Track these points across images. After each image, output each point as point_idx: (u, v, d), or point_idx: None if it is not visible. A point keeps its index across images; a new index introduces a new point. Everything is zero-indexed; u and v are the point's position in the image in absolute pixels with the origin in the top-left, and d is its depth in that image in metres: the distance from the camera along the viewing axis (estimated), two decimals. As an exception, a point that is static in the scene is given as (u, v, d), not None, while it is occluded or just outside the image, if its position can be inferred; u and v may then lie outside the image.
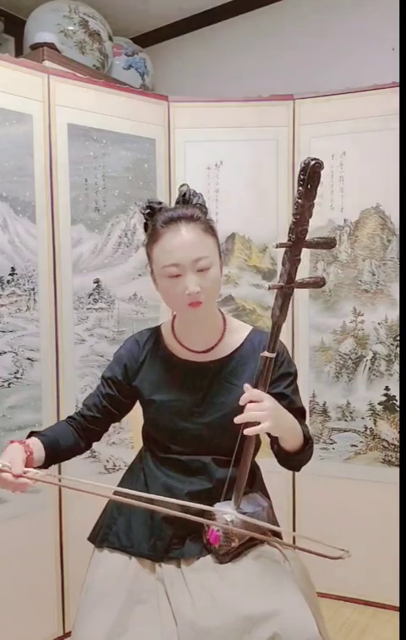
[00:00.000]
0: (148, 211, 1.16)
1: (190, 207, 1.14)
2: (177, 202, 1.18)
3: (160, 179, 2.00)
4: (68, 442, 1.19)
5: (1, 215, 1.63)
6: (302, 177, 0.93)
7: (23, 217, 1.68)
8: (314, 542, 1.00)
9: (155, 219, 1.14)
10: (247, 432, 0.99)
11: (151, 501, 1.02)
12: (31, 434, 1.15)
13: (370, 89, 1.92)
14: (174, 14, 2.68)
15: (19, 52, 2.47)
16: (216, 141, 2.03)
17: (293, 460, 1.14)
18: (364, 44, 2.27)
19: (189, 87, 2.67)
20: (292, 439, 1.10)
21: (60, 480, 1.21)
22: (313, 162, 0.92)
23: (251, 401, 1.00)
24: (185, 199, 1.16)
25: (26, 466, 1.02)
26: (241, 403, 1.01)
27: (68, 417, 1.26)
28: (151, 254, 1.15)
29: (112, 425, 1.30)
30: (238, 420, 0.99)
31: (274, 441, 1.14)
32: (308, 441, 1.13)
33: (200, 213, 1.14)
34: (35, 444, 1.10)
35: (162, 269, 1.11)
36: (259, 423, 0.98)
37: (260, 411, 0.98)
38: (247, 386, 1.03)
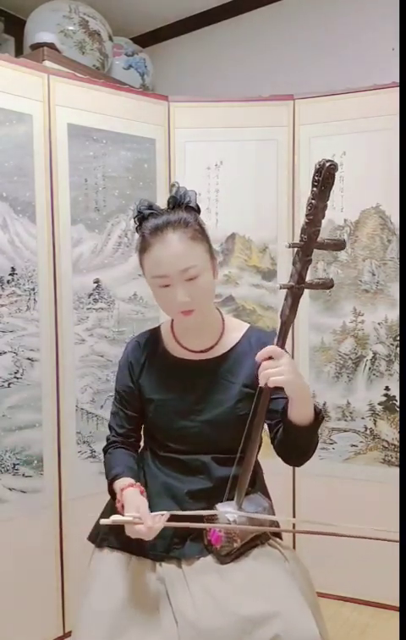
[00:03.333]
0: (138, 216, 1.15)
1: (179, 212, 1.12)
2: (168, 204, 1.16)
3: (160, 179, 2.00)
4: (135, 463, 1.22)
5: (1, 215, 1.63)
6: (317, 178, 0.93)
7: (23, 217, 1.68)
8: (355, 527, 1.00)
9: (143, 227, 1.13)
10: (268, 382, 0.99)
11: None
12: (116, 477, 1.16)
13: (370, 89, 1.92)
14: (174, 14, 2.68)
15: (19, 52, 2.47)
16: (216, 141, 2.03)
17: (301, 437, 1.08)
18: (364, 44, 2.27)
19: (189, 87, 2.67)
20: (303, 406, 1.05)
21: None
22: (328, 164, 0.92)
23: (269, 358, 1.01)
24: (176, 201, 1.14)
25: None
26: (258, 359, 1.01)
27: (110, 443, 1.27)
28: (142, 262, 1.15)
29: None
30: (262, 376, 1.00)
31: (277, 427, 1.12)
32: (319, 414, 1.08)
33: (190, 218, 1.12)
34: (136, 484, 1.12)
35: (152, 279, 1.12)
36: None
37: (275, 367, 0.99)
38: (261, 352, 1.02)
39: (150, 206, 1.15)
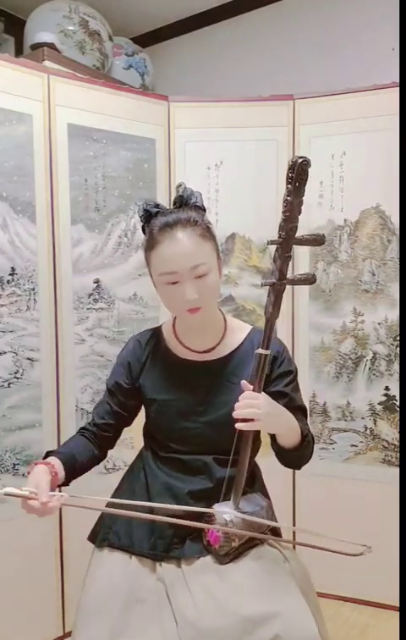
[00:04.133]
0: (145, 214, 1.15)
1: (187, 210, 1.13)
2: (174, 203, 1.16)
3: (160, 179, 2.00)
4: (84, 455, 1.18)
5: (1, 215, 1.63)
6: (290, 175, 0.95)
7: (23, 217, 1.68)
8: (336, 540, 1.01)
9: (151, 224, 1.13)
10: (238, 426, 1.01)
11: (151, 510, 1.04)
12: (48, 454, 1.14)
13: (370, 89, 1.92)
14: (174, 14, 2.68)
15: (19, 52, 2.47)
16: (216, 141, 2.03)
17: (291, 456, 1.14)
18: (364, 44, 2.27)
19: (189, 87, 2.67)
20: (288, 437, 1.11)
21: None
22: (300, 161, 0.94)
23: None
24: (183, 200, 1.15)
25: (51, 488, 1.01)
26: (236, 408, 1.02)
27: (81, 428, 1.26)
28: (149, 260, 1.14)
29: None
30: (235, 415, 1.01)
31: (273, 438, 1.14)
32: (305, 438, 1.13)
33: (198, 217, 1.12)
34: (57, 464, 1.09)
35: (160, 277, 1.11)
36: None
37: (250, 408, 1.00)
38: (244, 382, 1.05)
39: (157, 205, 1.15)
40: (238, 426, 1.01)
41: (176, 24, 2.73)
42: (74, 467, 1.14)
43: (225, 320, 1.24)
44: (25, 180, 1.68)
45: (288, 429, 1.10)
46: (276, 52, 2.48)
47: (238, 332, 1.24)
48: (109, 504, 1.14)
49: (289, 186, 0.95)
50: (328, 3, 2.35)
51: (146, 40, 2.79)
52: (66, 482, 1.13)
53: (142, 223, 1.17)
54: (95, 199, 1.84)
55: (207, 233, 1.13)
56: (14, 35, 2.49)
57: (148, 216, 1.15)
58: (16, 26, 2.46)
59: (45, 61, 1.82)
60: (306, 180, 0.95)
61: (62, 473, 1.09)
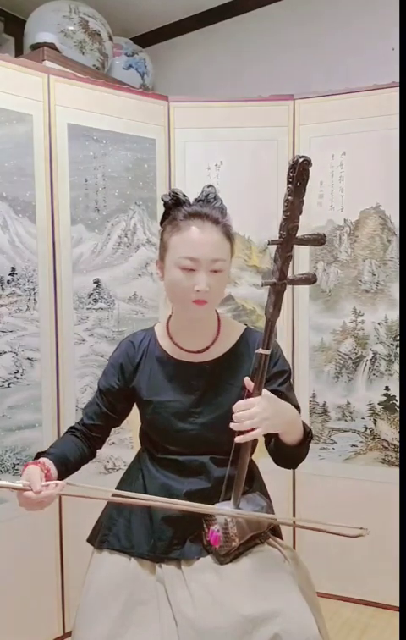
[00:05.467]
0: (173, 200, 1.16)
1: (216, 209, 1.15)
2: (200, 199, 1.17)
3: (160, 179, 2.00)
4: (75, 454, 1.19)
5: (1, 215, 1.63)
6: (291, 174, 0.94)
7: (23, 217, 1.68)
8: (330, 525, 1.01)
9: (178, 210, 1.14)
10: (238, 439, 0.99)
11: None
12: (39, 455, 1.14)
13: (370, 89, 1.92)
14: (174, 14, 2.68)
15: (19, 52, 2.47)
16: (216, 141, 2.03)
17: (290, 453, 1.12)
18: (364, 44, 2.27)
19: (189, 87, 2.68)
20: (292, 433, 1.10)
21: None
22: (301, 160, 0.93)
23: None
24: (208, 198, 1.16)
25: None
26: (234, 409, 1.00)
27: (71, 428, 1.26)
28: (168, 243, 1.14)
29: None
30: (233, 426, 0.99)
31: (271, 436, 1.13)
32: (308, 434, 1.12)
33: (223, 218, 1.15)
34: (48, 463, 1.10)
35: (178, 259, 1.11)
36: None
37: (249, 419, 0.98)
38: (247, 379, 1.04)
39: (185, 195, 1.16)
40: (238, 439, 0.99)
41: (176, 24, 2.73)
42: (67, 467, 1.15)
43: (219, 320, 1.24)
44: (25, 180, 1.68)
45: (291, 426, 1.08)
46: (276, 52, 2.48)
47: (233, 332, 1.24)
48: (108, 503, 1.14)
49: (290, 186, 0.95)
50: (328, 3, 2.35)
51: (146, 40, 2.79)
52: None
53: (166, 208, 1.17)
54: (95, 199, 1.84)
55: (230, 234, 1.16)
56: (14, 35, 2.49)
57: (176, 201, 1.15)
58: (16, 26, 2.46)
59: (45, 61, 1.82)
60: (307, 180, 0.95)
61: (55, 472, 1.09)
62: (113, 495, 1.10)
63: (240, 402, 1.01)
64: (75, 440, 1.22)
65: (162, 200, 1.18)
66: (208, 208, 1.14)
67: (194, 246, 1.10)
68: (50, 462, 1.10)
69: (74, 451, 1.19)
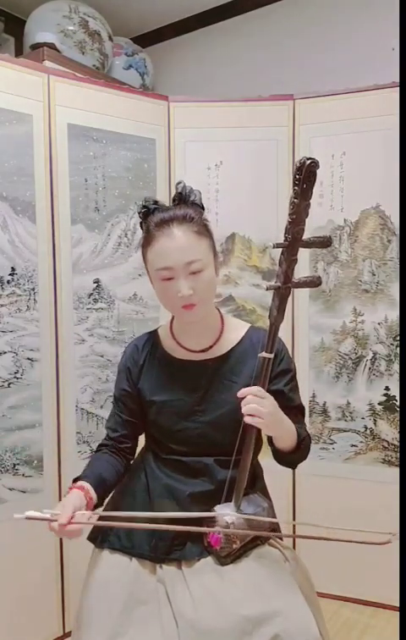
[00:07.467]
0: (143, 210, 1.16)
1: (184, 207, 1.14)
2: (173, 200, 1.17)
3: (160, 179, 2.00)
4: (110, 473, 1.18)
5: (1, 215, 1.63)
6: (298, 177, 0.93)
7: (23, 217, 1.68)
8: (355, 531, 1.00)
9: (149, 221, 1.14)
10: (246, 420, 1.01)
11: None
12: (77, 479, 1.13)
13: (370, 89, 1.92)
14: (174, 14, 2.68)
15: (19, 52, 2.47)
16: (216, 141, 2.03)
17: (287, 458, 1.16)
18: (364, 44, 2.27)
19: (189, 87, 2.67)
20: (286, 440, 1.12)
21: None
22: (309, 162, 0.92)
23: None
24: (181, 197, 1.16)
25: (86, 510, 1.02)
26: (240, 395, 1.02)
27: (100, 445, 1.26)
28: (146, 256, 1.15)
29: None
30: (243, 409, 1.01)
31: (270, 438, 1.15)
32: (302, 442, 1.14)
33: (195, 214, 1.13)
34: (88, 487, 1.09)
35: (155, 272, 1.12)
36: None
37: (259, 404, 1.01)
38: (242, 390, 1.05)
39: (156, 202, 1.17)
40: (245, 420, 1.01)
41: (176, 24, 2.73)
42: (104, 487, 1.14)
43: (222, 318, 1.24)
44: (25, 180, 1.68)
45: (285, 432, 1.11)
46: (276, 52, 2.48)
47: (236, 330, 1.24)
48: (108, 502, 1.13)
49: (296, 188, 0.94)
50: (328, 3, 2.35)
51: (146, 40, 2.79)
52: (100, 503, 1.14)
53: (140, 220, 1.17)
54: (95, 199, 1.84)
55: (204, 230, 1.14)
56: (14, 35, 2.49)
57: (146, 212, 1.16)
58: (16, 26, 2.46)
59: (45, 61, 1.82)
60: (314, 182, 0.94)
61: (95, 497, 1.10)
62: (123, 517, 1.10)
63: (254, 387, 1.03)
64: (108, 458, 1.21)
65: (137, 213, 1.19)
66: (178, 209, 1.13)
67: (165, 256, 1.10)
68: (89, 486, 1.09)
69: (109, 470, 1.18)
